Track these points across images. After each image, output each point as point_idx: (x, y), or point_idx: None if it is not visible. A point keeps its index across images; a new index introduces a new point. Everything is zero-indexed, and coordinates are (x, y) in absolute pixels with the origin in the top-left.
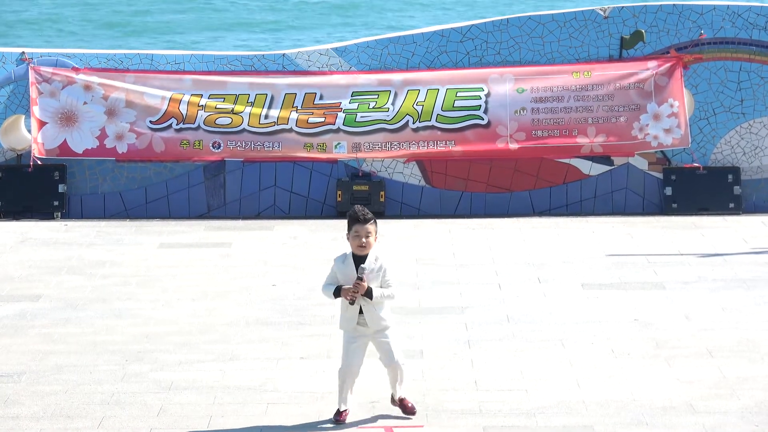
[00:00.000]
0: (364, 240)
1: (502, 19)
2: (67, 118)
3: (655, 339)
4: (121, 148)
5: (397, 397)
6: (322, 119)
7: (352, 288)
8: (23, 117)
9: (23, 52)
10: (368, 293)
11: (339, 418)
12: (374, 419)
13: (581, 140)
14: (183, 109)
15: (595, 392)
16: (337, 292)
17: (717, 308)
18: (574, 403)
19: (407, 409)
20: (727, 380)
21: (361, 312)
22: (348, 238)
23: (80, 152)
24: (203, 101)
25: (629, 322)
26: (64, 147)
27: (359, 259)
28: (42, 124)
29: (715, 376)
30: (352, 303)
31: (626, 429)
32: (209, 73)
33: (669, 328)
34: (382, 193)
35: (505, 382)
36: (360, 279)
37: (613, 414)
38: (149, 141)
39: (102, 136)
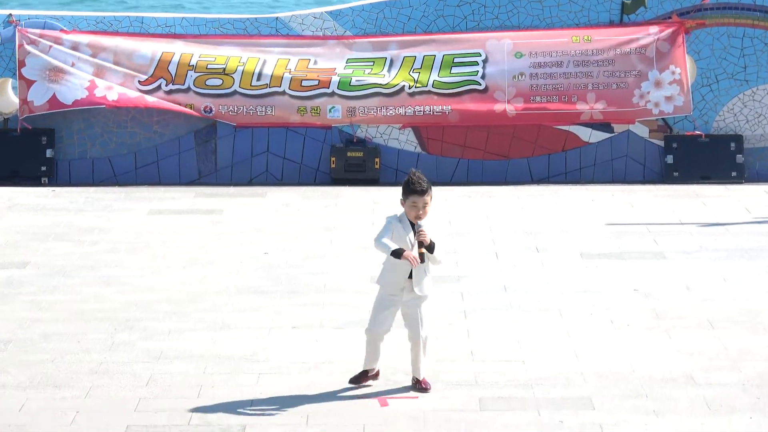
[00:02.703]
0: (421, 211)
1: None
2: (56, 74)
3: (655, 310)
4: (112, 96)
5: (420, 377)
6: (316, 82)
7: (414, 254)
8: (10, 80)
9: (10, 15)
10: (431, 247)
11: (356, 381)
12: (368, 390)
13: (581, 107)
14: (172, 69)
15: (594, 363)
16: (397, 254)
17: (718, 278)
18: (572, 374)
19: (420, 386)
20: (728, 352)
21: (409, 276)
22: (402, 204)
23: (69, 103)
24: (194, 61)
25: (629, 293)
26: (53, 101)
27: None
28: (30, 83)
29: (715, 348)
30: (422, 261)
31: (625, 401)
32: (200, 36)
33: (669, 299)
34: (377, 159)
35: (501, 353)
36: (419, 235)
37: (611, 386)
38: (139, 96)
39: (91, 87)
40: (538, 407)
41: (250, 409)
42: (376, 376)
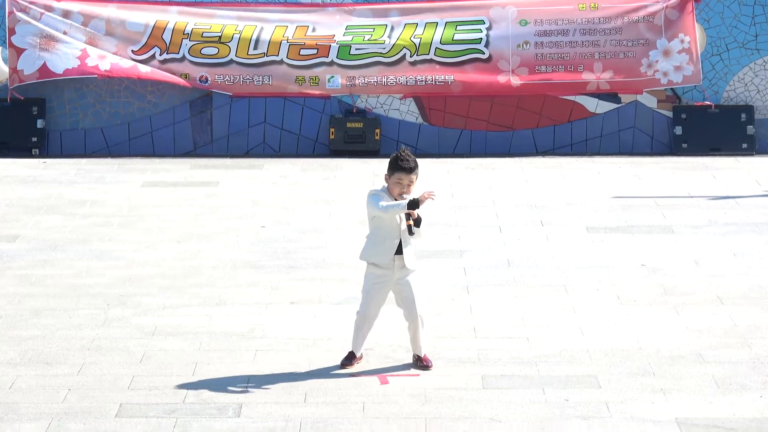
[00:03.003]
0: (405, 189)
1: None
2: (47, 42)
3: (663, 285)
4: (104, 66)
5: (422, 354)
6: (315, 50)
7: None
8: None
9: None
10: (418, 221)
11: (348, 362)
12: (368, 367)
13: (587, 76)
14: (167, 37)
15: (600, 340)
16: (414, 204)
17: (728, 253)
18: (578, 351)
19: (422, 364)
20: (737, 328)
21: (399, 251)
22: (387, 179)
23: (60, 73)
24: (189, 29)
25: (636, 268)
26: (43, 70)
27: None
28: (20, 51)
29: (725, 324)
30: (411, 233)
31: (632, 379)
32: (196, 4)
33: (677, 274)
34: (377, 130)
35: (505, 330)
36: (408, 217)
37: (618, 363)
38: (133, 66)
39: (83, 56)
40: (542, 385)
41: (246, 387)
42: (360, 359)
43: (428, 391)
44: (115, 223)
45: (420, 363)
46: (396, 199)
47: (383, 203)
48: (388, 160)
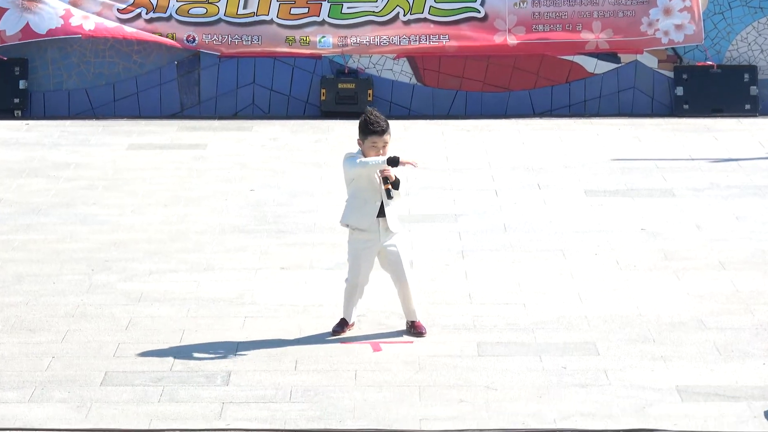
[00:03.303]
0: (381, 151)
1: None
2: (29, 2)
3: (664, 250)
4: (88, 26)
5: (415, 320)
6: (306, 9)
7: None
8: None
9: None
10: (396, 183)
11: (339, 329)
12: (360, 334)
13: (586, 35)
14: None
15: (598, 307)
16: (392, 161)
17: (730, 217)
18: (576, 318)
19: (416, 330)
20: (740, 294)
21: (381, 214)
22: (360, 144)
23: (43, 33)
24: None
25: (636, 232)
26: (26, 30)
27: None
28: (2, 11)
29: (727, 290)
30: (390, 197)
31: (631, 346)
32: None
33: (678, 239)
34: (370, 91)
35: (501, 296)
36: (384, 171)
37: (617, 330)
38: (118, 26)
39: (67, 15)
40: (539, 352)
41: (235, 354)
42: (352, 326)
43: (422, 358)
44: (99, 187)
45: (414, 329)
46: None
47: (360, 159)
48: (357, 123)
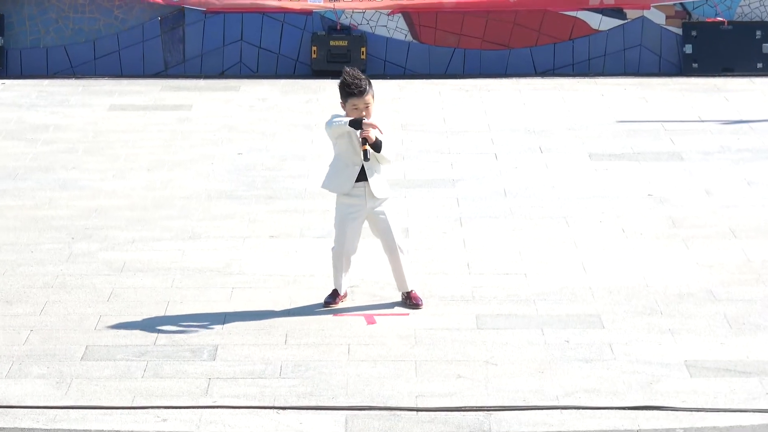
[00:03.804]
0: (364, 113)
1: None
2: None
3: (672, 217)
4: None
5: (408, 290)
6: None
7: (366, 129)
8: None
9: None
10: (376, 145)
11: (331, 301)
12: (353, 306)
13: None
14: None
15: (603, 277)
16: (354, 124)
17: (741, 182)
18: (579, 289)
19: (412, 302)
20: (752, 264)
21: (364, 178)
22: (344, 108)
23: None
24: None
25: (642, 198)
26: None
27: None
28: None
29: (738, 259)
30: (366, 159)
31: (637, 318)
32: None
33: (687, 205)
34: (363, 49)
35: (501, 265)
36: (364, 131)
37: (622, 301)
38: None
39: None
40: (541, 325)
41: (222, 328)
42: (344, 297)
43: (418, 331)
44: (80, 150)
45: (409, 301)
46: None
47: (327, 122)
48: (338, 85)
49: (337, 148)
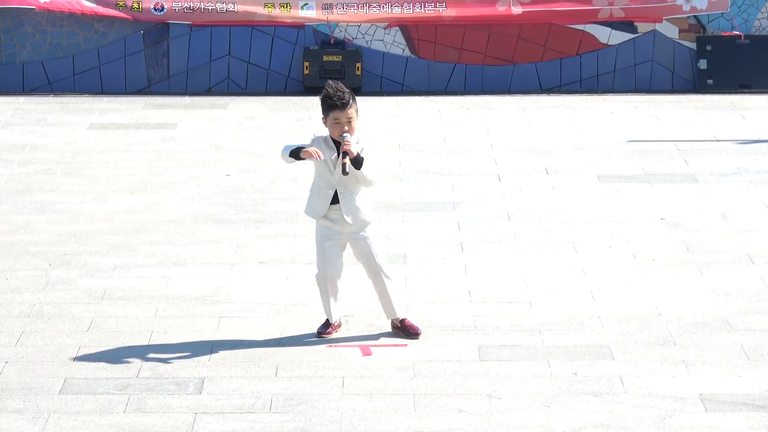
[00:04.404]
0: (346, 127)
1: None
2: None
3: (685, 242)
4: None
5: (398, 320)
6: None
7: (344, 146)
8: None
9: None
10: (357, 161)
11: (324, 331)
12: (348, 336)
13: (598, 2)
14: None
15: (613, 306)
16: (296, 153)
17: (760, 205)
18: (588, 318)
19: (409, 331)
20: None
21: (336, 201)
22: (325, 124)
23: None
24: None
25: (654, 222)
26: None
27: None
28: None
29: (756, 287)
30: (345, 173)
31: (649, 349)
32: None
33: (702, 229)
34: (359, 64)
35: (504, 293)
36: (344, 144)
37: (633, 332)
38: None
39: None
40: (547, 356)
41: (209, 359)
42: (338, 326)
43: (417, 363)
44: (58, 171)
45: (405, 330)
46: (339, 142)
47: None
48: (319, 98)
49: (315, 170)
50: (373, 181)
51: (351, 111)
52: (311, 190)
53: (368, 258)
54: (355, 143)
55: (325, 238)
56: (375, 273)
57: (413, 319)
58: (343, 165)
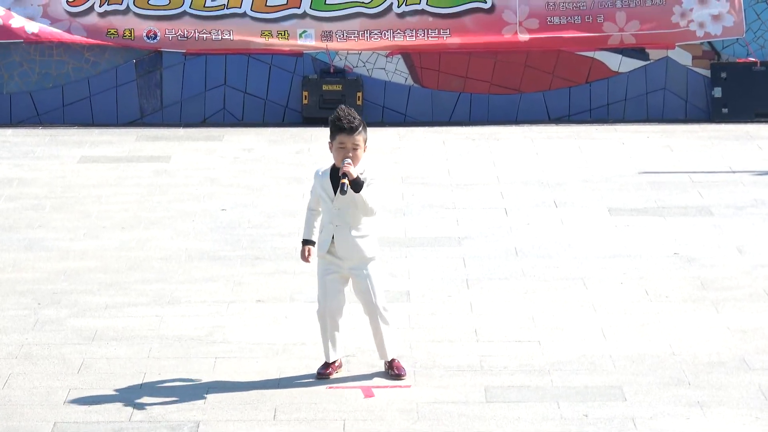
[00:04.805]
0: (350, 153)
1: None
2: None
3: (700, 278)
4: (31, 28)
5: (388, 359)
6: (284, 1)
7: (344, 168)
8: None
9: None
10: (356, 184)
11: (323, 371)
12: (349, 377)
13: (608, 28)
14: None
15: (625, 344)
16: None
17: None
18: (599, 357)
19: (393, 371)
20: None
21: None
22: (331, 149)
23: None
24: None
25: (668, 257)
26: None
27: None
28: None
29: None
30: (343, 191)
31: (663, 390)
32: None
33: (717, 265)
34: (359, 94)
35: (512, 332)
36: (345, 165)
37: (646, 372)
38: (67, 30)
39: (6, 17)
40: (557, 398)
41: (204, 402)
42: (339, 366)
43: (421, 405)
44: (47, 207)
45: (392, 369)
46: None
47: (310, 208)
48: (329, 120)
49: (321, 205)
50: (373, 209)
51: (358, 138)
52: (320, 223)
53: (366, 296)
54: (354, 168)
55: (326, 272)
56: (371, 312)
57: (415, 359)
58: (342, 185)
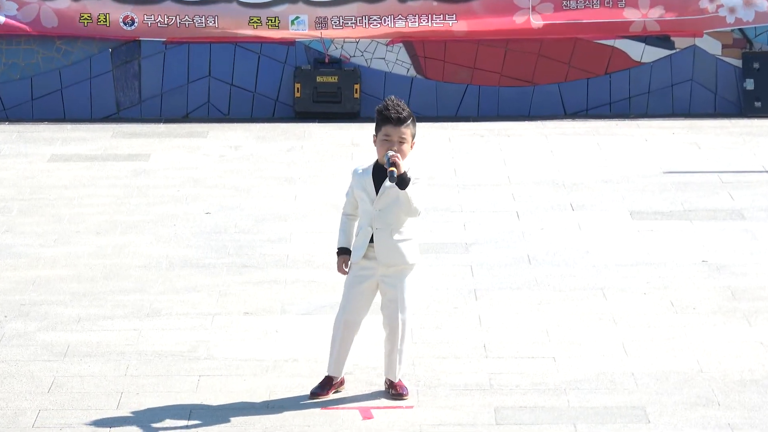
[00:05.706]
0: (396, 147)
1: None
2: None
3: (731, 287)
4: None
5: (396, 379)
6: None
7: (393, 157)
8: None
9: None
10: (403, 180)
11: (318, 391)
12: (345, 396)
13: (630, 14)
14: None
15: (648, 361)
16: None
17: None
18: (620, 375)
19: (396, 390)
20: None
21: (372, 240)
22: (374, 141)
23: None
24: None
25: (695, 265)
26: None
27: (382, 171)
28: None
29: None
30: (392, 179)
31: (690, 411)
32: None
33: (749, 273)
34: (357, 86)
35: (524, 347)
36: (393, 156)
37: (672, 390)
38: (36, 15)
39: None
40: (573, 419)
41: (187, 423)
42: (340, 384)
43: (425, 427)
44: (14, 210)
45: (393, 391)
46: (380, 173)
47: (343, 217)
48: (375, 110)
49: (359, 208)
50: (418, 209)
51: (405, 131)
52: (357, 225)
53: (392, 305)
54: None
55: (355, 277)
56: (393, 326)
57: (418, 377)
58: (391, 173)
